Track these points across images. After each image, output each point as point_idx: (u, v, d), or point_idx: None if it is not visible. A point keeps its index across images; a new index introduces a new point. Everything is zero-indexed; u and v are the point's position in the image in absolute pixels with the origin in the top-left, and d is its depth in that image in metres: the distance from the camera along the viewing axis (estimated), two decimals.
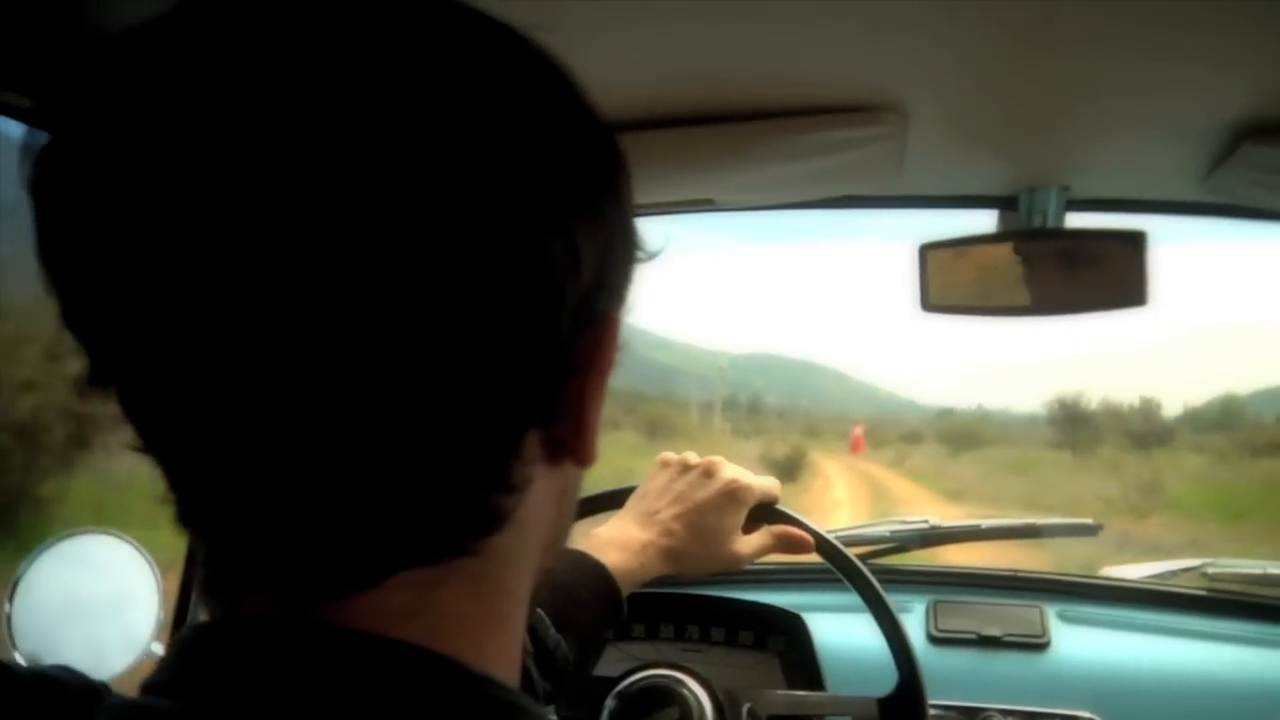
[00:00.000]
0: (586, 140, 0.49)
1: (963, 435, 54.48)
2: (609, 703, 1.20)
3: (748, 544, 1.23)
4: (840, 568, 1.26)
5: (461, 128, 0.42)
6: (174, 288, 0.40)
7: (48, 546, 1.31)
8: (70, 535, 1.34)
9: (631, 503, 1.24)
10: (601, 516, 1.26)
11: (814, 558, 1.28)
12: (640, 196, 1.42)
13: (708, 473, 1.24)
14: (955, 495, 27.37)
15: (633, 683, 1.21)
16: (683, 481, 1.23)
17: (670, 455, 1.28)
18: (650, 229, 0.56)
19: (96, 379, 0.44)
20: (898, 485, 30.43)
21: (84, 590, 1.32)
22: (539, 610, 1.05)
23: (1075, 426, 49.27)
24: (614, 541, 1.16)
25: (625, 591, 1.13)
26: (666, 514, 1.20)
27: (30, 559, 1.29)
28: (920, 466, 39.37)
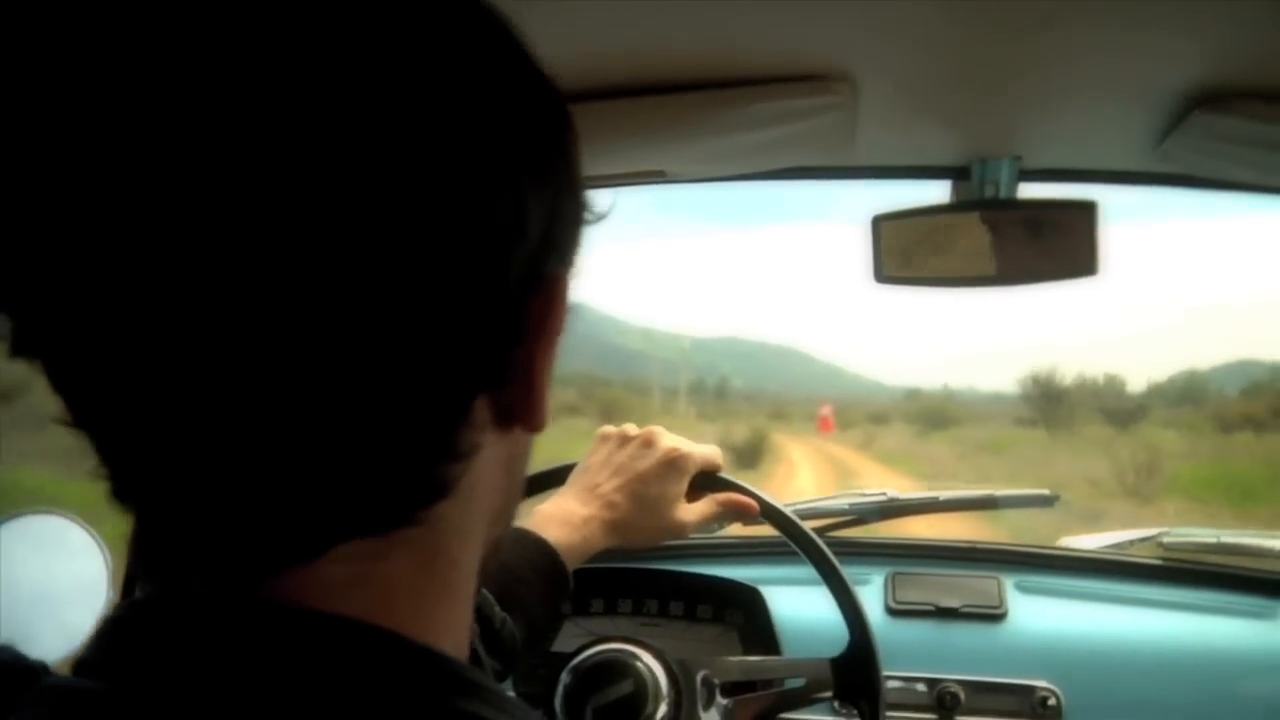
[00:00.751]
0: (533, 100, 0.49)
1: (932, 415, 54.17)
2: (563, 678, 1.22)
3: (692, 512, 1.25)
4: (784, 530, 1.29)
5: (404, 86, 0.41)
6: (101, 249, 0.38)
7: None
8: (15, 516, 1.34)
9: (573, 478, 1.26)
10: (543, 495, 1.27)
11: (766, 530, 1.30)
12: (591, 169, 1.42)
13: (647, 443, 1.26)
14: (930, 479, 25.82)
15: (587, 658, 1.22)
16: (622, 454, 1.25)
17: (609, 429, 1.30)
18: (599, 198, 0.56)
19: (20, 350, 0.42)
20: (868, 469, 29.56)
21: (31, 571, 1.33)
22: (483, 590, 1.06)
23: (1050, 403, 48.40)
24: (556, 518, 1.18)
25: (570, 567, 1.15)
26: (607, 486, 1.22)
27: None
28: (891, 448, 38.40)
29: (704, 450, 1.29)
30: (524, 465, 0.59)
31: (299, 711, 0.42)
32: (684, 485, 1.25)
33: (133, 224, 0.38)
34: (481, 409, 0.48)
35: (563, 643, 1.25)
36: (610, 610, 1.65)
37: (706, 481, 1.29)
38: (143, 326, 0.39)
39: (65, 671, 0.48)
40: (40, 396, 0.45)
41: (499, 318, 0.46)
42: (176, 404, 0.41)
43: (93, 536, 1.36)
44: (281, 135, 0.38)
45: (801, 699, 1.27)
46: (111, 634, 0.46)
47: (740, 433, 38.84)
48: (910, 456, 33.61)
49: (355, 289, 0.40)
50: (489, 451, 0.50)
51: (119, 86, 0.37)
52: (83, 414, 0.43)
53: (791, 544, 1.29)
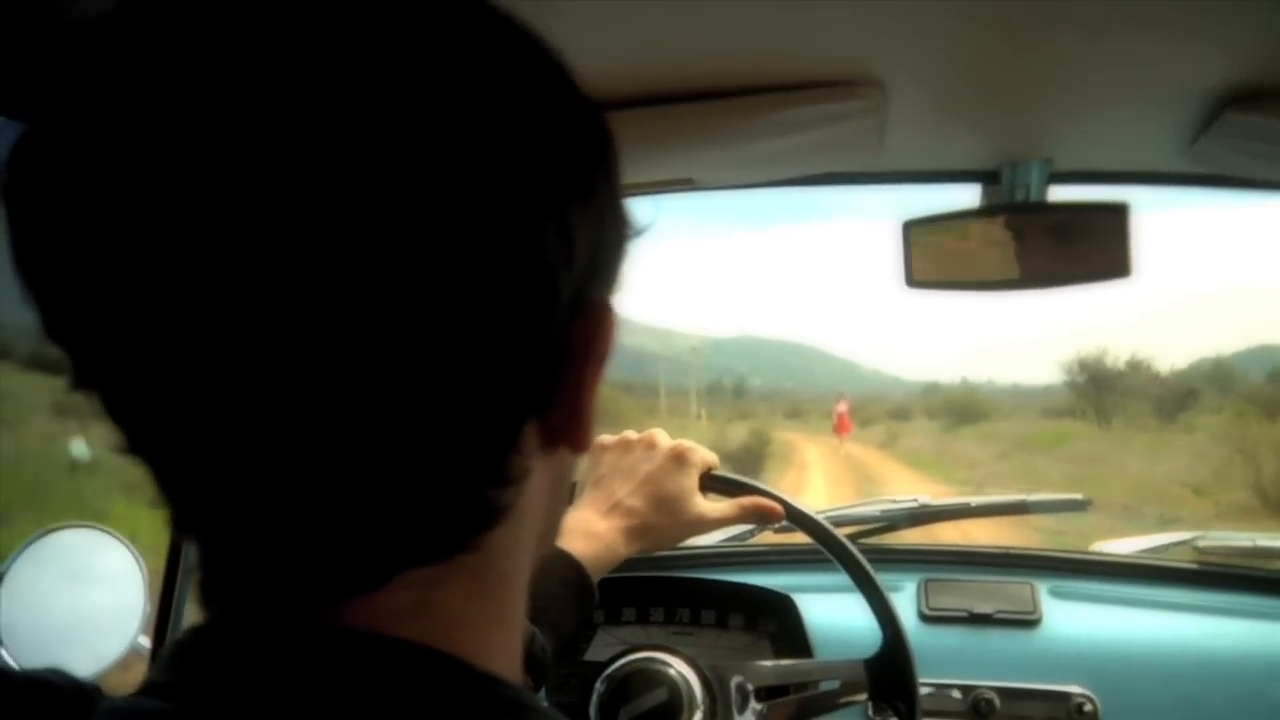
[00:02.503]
0: (577, 123, 0.50)
1: (959, 408, 52.32)
2: (598, 686, 1.24)
3: (712, 509, 1.27)
4: (809, 530, 1.32)
5: (453, 114, 0.42)
6: (161, 288, 0.40)
7: (31, 542, 1.34)
8: (53, 530, 1.37)
9: (586, 491, 1.28)
10: None
11: (797, 537, 1.32)
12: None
13: (650, 444, 1.29)
14: (977, 487, 21.79)
15: (620, 666, 1.25)
16: (629, 459, 1.28)
17: (607, 437, 1.32)
18: (636, 207, 0.56)
19: (80, 383, 0.44)
20: (896, 475, 26.78)
21: (68, 585, 1.35)
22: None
23: (1101, 391, 44.85)
24: (577, 531, 1.20)
25: (595, 578, 1.17)
26: (622, 493, 1.24)
27: (14, 555, 1.32)
28: (918, 447, 35.78)
29: (703, 450, 1.31)
30: (569, 484, 0.61)
31: None
32: (694, 479, 1.27)
33: (189, 260, 0.39)
34: (530, 433, 0.50)
35: (596, 651, 1.27)
36: (642, 619, 1.67)
37: (717, 483, 1.31)
38: (201, 361, 0.41)
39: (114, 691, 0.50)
40: None
41: (546, 345, 0.47)
42: (237, 439, 0.43)
43: (129, 551, 1.39)
44: (334, 175, 0.40)
45: (836, 701, 1.29)
46: (181, 657, 0.48)
47: (737, 435, 35.43)
48: (942, 458, 31.09)
49: (409, 323, 0.42)
50: (537, 475, 0.52)
51: (185, 140, 0.39)
52: (141, 445, 0.46)
53: (818, 545, 1.31)
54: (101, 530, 1.40)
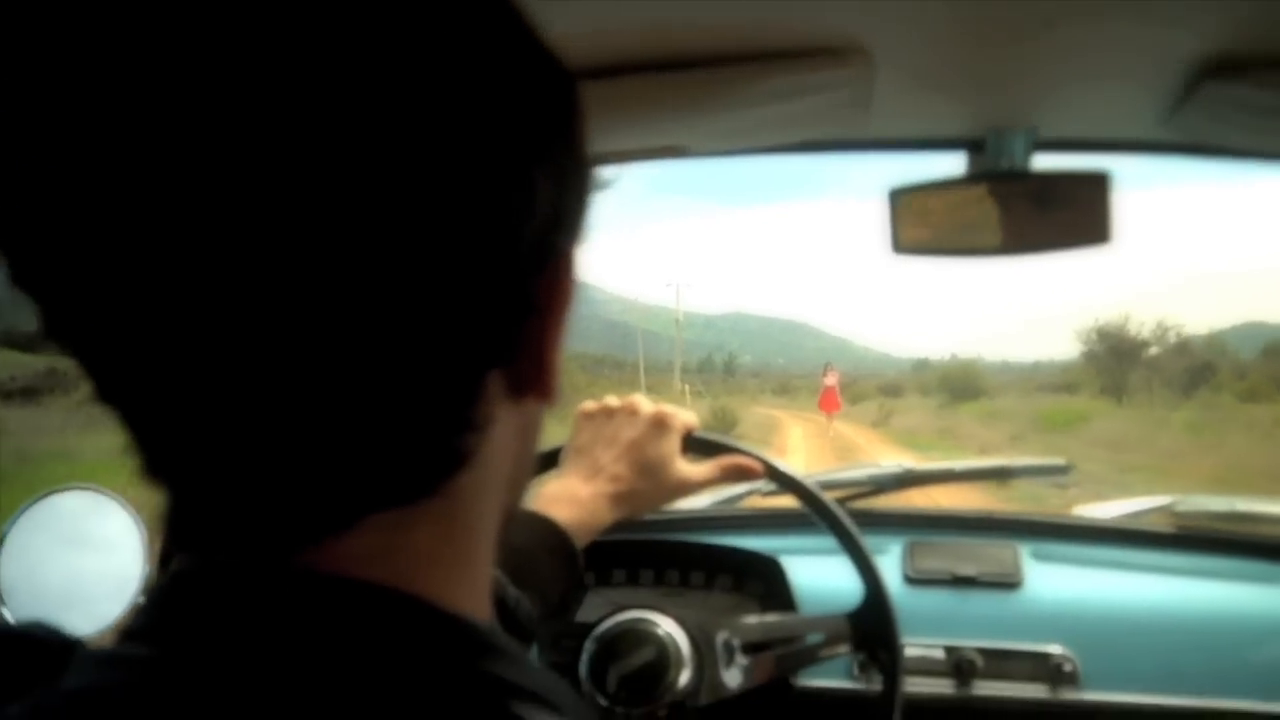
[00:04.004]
0: (541, 83, 0.51)
1: (955, 384, 50.99)
2: (588, 645, 1.28)
3: (694, 471, 1.31)
4: (788, 487, 1.36)
5: (422, 71, 0.43)
6: (129, 234, 0.40)
7: (32, 503, 1.36)
8: (54, 491, 1.38)
9: (570, 458, 1.31)
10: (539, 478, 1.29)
11: (784, 501, 1.35)
12: (612, 144, 1.46)
13: (632, 411, 1.32)
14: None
15: (610, 627, 1.28)
16: (611, 426, 1.31)
17: (590, 404, 1.35)
18: (605, 172, 0.58)
19: (51, 333, 0.45)
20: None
21: (68, 547, 1.37)
22: (496, 571, 1.10)
23: (1121, 364, 42.03)
24: (561, 498, 1.22)
25: (580, 544, 1.19)
26: (606, 459, 1.27)
27: (15, 516, 1.34)
28: (914, 426, 33.93)
29: (683, 412, 1.35)
30: (536, 434, 0.63)
31: (334, 673, 0.45)
32: (675, 443, 1.31)
33: (153, 210, 0.40)
34: (495, 382, 0.52)
35: (586, 612, 1.30)
36: (632, 581, 1.71)
37: (699, 444, 1.34)
38: (168, 308, 0.42)
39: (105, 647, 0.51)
40: None
41: (509, 296, 0.49)
42: (205, 386, 0.44)
43: (129, 512, 1.41)
44: (296, 125, 0.40)
45: (819, 654, 1.33)
46: (157, 603, 0.49)
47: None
48: (944, 439, 28.73)
49: (374, 272, 0.43)
50: (503, 423, 0.54)
51: (133, 86, 0.40)
52: (113, 393, 0.46)
53: (798, 502, 1.35)
54: (101, 492, 1.42)
